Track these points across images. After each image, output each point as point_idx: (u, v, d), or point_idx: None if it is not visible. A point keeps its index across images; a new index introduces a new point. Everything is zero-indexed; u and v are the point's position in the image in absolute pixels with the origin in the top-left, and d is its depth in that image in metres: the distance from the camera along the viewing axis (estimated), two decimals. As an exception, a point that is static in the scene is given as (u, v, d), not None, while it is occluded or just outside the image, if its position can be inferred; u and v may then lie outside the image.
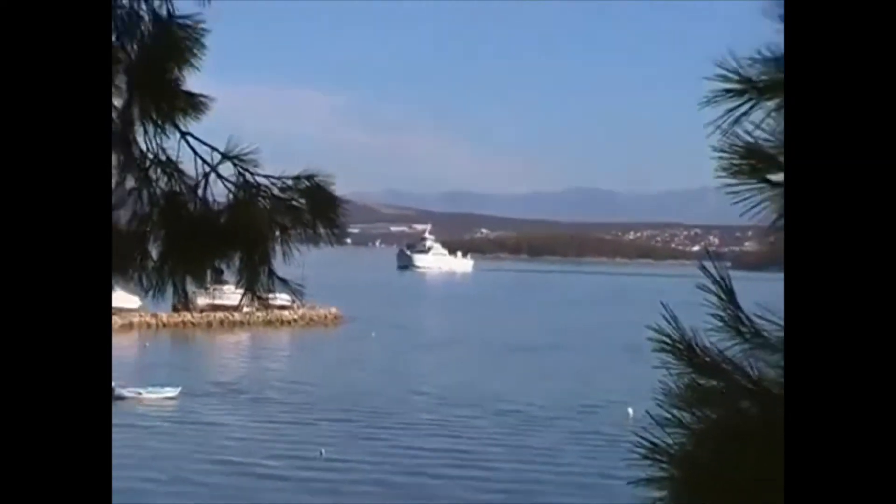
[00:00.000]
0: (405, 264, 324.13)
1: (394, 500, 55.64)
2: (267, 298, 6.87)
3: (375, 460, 63.85)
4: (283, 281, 6.88)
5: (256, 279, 6.75)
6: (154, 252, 6.73)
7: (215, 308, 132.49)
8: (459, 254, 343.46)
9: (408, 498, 55.93)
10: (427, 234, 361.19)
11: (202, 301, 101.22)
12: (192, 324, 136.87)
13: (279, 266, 6.84)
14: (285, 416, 78.82)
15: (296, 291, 6.97)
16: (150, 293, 6.73)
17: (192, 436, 70.55)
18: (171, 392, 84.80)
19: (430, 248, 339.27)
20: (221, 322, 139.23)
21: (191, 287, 6.80)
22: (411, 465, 62.83)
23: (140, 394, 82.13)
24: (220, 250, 6.73)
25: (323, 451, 64.81)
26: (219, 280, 6.79)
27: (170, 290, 6.77)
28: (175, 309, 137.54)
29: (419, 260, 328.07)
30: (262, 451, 65.82)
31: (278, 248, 6.78)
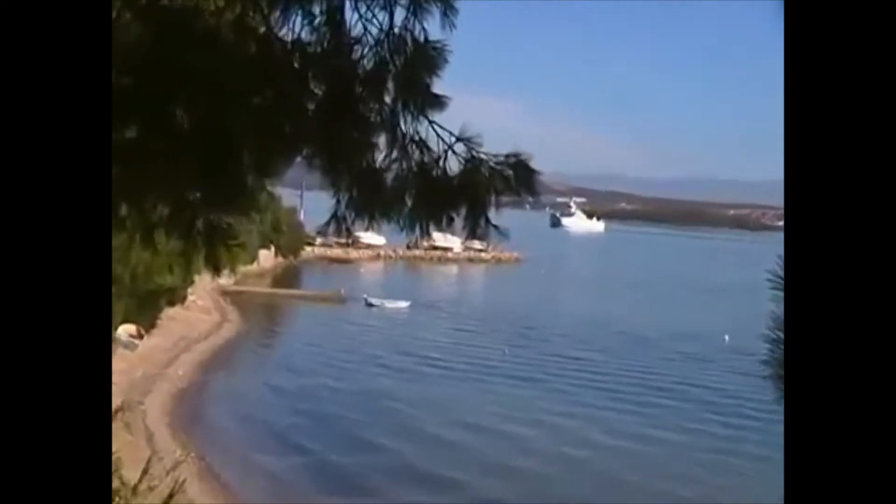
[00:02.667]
0: (555, 224, 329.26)
1: (542, 377, 60.53)
2: (482, 239, 7.12)
3: (530, 356, 67.85)
4: (495, 227, 7.08)
5: (477, 225, 6.97)
6: (409, 202, 6.98)
7: (435, 248, 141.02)
8: (595, 218, 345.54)
9: (549, 383, 59.45)
10: (572, 203, 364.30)
11: (427, 242, 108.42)
12: (420, 258, 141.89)
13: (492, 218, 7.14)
14: (474, 323, 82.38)
15: (502, 235, 7.14)
16: (404, 231, 7.02)
17: (415, 331, 76.69)
18: (403, 304, 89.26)
19: (573, 213, 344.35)
20: (439, 258, 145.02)
21: (431, 228, 7.06)
22: (546, 365, 64.89)
23: (383, 304, 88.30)
24: (452, 204, 6.96)
25: (506, 349, 68.98)
26: (450, 225, 7.03)
27: (417, 230, 7.04)
28: (409, 247, 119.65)
29: (564, 221, 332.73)
30: (462, 344, 71.32)
31: (492, 206, 7.03)
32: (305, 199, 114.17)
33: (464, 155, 6.93)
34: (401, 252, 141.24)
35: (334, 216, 6.84)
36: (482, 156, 6.92)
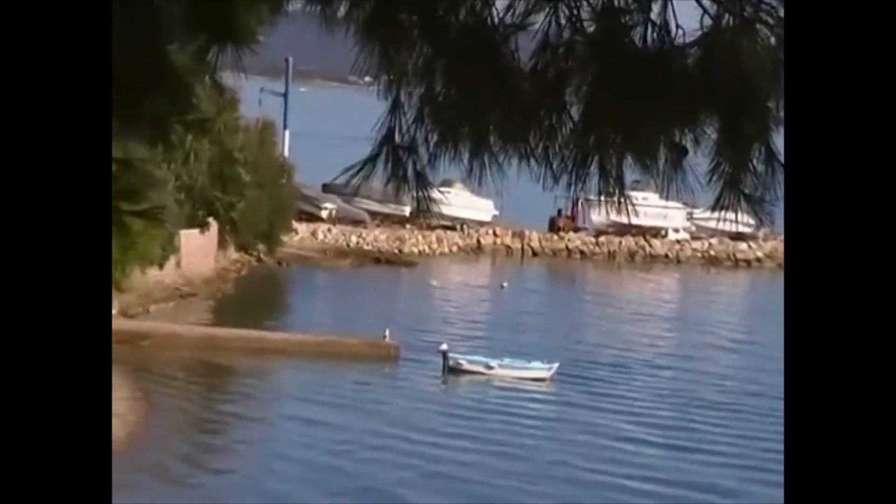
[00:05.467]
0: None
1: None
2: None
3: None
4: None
5: (744, 166, 2.81)
6: (575, 106, 2.82)
7: (622, 230, 64.26)
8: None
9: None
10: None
11: (601, 217, 57.54)
12: (582, 253, 66.95)
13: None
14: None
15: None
16: (564, 176, 2.83)
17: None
18: (539, 370, 39.83)
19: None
20: (633, 255, 66.92)
21: (630, 168, 2.85)
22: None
23: (488, 365, 39.91)
24: (683, 111, 2.82)
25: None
26: (678, 162, 2.85)
27: (594, 172, 2.84)
28: (555, 227, 66.63)
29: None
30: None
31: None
32: (298, 100, 65.16)
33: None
34: (537, 237, 67.02)
35: (387, 143, 2.64)
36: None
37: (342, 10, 2.75)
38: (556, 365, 39.18)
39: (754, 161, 2.91)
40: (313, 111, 59.88)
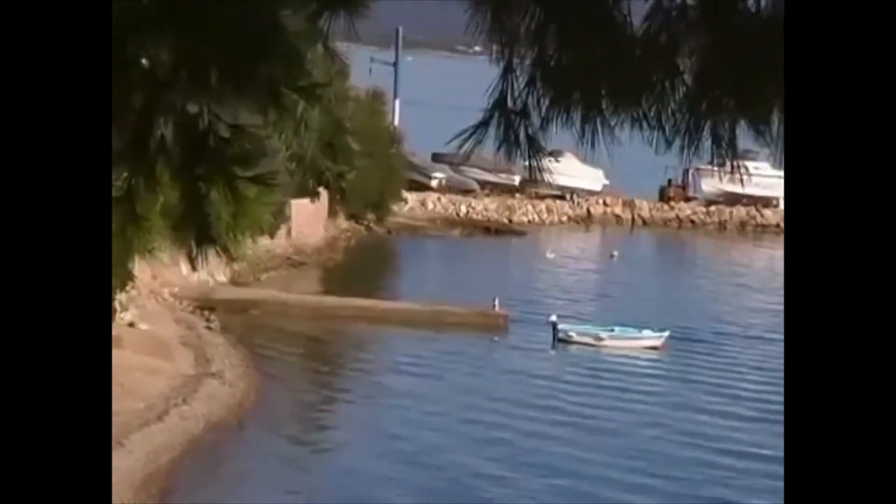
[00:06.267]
0: None
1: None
2: None
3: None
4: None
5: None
6: (688, 70, 2.85)
7: (733, 199, 65.73)
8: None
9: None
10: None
11: (711, 186, 60.35)
12: (692, 222, 67.10)
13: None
14: None
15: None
16: (677, 140, 2.85)
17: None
18: (650, 339, 39.62)
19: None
20: (743, 225, 66.95)
21: (743, 132, 2.87)
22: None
23: (598, 336, 39.53)
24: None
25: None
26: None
27: (706, 137, 2.86)
28: (665, 196, 67.23)
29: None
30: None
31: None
32: (408, 70, 62.97)
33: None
34: (647, 208, 67.02)
35: (499, 108, 2.67)
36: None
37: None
38: (667, 333, 39.06)
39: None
40: (423, 80, 59.41)
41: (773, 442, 26.56)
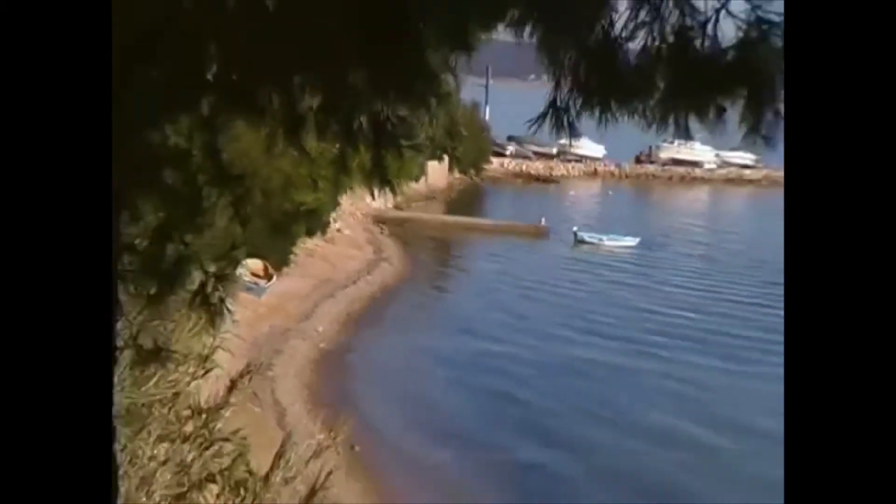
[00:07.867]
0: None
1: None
2: (766, 143, 2.76)
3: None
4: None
5: (761, 120, 2.69)
6: (660, 85, 2.76)
7: (676, 163, 63.65)
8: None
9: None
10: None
11: (664, 155, 63.27)
12: (653, 176, 64.04)
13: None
14: (732, 276, 33.86)
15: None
16: (653, 126, 2.79)
17: (646, 283, 33.30)
18: (629, 241, 39.46)
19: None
20: (682, 178, 63.61)
21: (692, 122, 2.80)
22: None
23: (601, 241, 39.69)
24: (725, 88, 2.68)
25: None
26: (719, 118, 2.76)
27: (671, 125, 2.81)
28: (638, 160, 69.92)
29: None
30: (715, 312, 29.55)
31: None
32: (491, 90, 56.79)
33: (744, 16, 2.60)
34: (627, 168, 63.84)
35: (552, 106, 2.71)
36: (771, 17, 2.59)
37: (527, 33, 2.74)
38: (638, 239, 40.93)
39: (769, 116, 2.75)
40: (501, 96, 66.15)
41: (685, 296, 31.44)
